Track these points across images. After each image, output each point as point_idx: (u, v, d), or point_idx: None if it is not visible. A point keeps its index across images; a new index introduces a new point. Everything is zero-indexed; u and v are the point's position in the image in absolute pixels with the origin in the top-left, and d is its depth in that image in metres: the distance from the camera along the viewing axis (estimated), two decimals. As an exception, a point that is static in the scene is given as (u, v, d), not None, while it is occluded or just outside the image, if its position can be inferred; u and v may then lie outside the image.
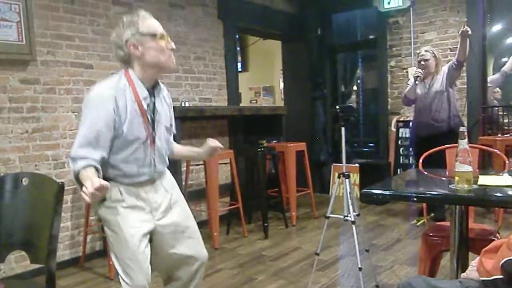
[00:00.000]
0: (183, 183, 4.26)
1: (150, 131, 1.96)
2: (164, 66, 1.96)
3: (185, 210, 2.15)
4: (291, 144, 4.77)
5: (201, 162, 4.35)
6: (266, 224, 4.27)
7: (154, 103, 1.99)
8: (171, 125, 2.12)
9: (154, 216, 2.00)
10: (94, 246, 3.79)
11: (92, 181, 1.66)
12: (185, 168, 4.24)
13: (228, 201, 4.52)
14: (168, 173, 2.14)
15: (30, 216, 1.98)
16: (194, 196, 4.52)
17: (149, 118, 1.96)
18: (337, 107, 3.09)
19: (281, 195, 4.70)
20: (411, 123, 5.03)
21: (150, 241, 2.02)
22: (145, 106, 1.94)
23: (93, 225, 3.73)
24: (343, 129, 2.99)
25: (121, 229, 1.92)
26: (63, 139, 3.57)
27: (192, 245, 2.11)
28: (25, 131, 3.35)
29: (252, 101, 7.93)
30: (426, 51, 4.28)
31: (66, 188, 3.35)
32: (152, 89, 1.99)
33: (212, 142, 2.20)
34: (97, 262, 3.66)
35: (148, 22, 1.93)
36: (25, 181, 2.02)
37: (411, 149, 5.37)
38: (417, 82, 4.25)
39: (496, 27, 5.46)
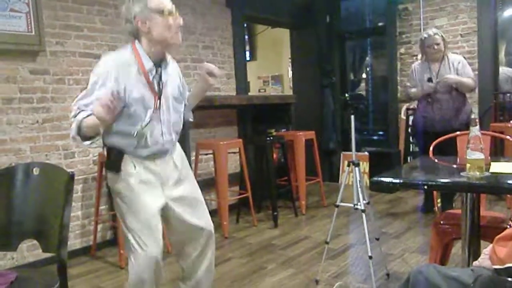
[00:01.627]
0: (192, 172, 4.26)
1: (157, 102, 2.01)
2: (170, 42, 2.02)
3: (193, 184, 2.24)
4: (300, 133, 4.74)
5: (210, 152, 4.35)
6: (275, 213, 4.27)
7: (160, 76, 2.04)
8: (181, 95, 2.18)
9: (164, 190, 2.08)
10: (105, 235, 3.82)
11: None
12: (194, 158, 4.24)
13: (237, 190, 4.52)
14: (178, 148, 2.21)
15: (41, 205, 1.99)
16: (203, 185, 4.49)
17: (156, 89, 2.01)
18: (346, 95, 3.07)
19: (290, 184, 4.70)
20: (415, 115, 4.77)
21: (162, 215, 2.09)
22: (151, 78, 2.00)
23: (103, 214, 3.76)
24: (352, 117, 2.97)
25: (134, 201, 2.01)
26: (73, 129, 3.58)
27: (199, 216, 2.19)
28: (35, 121, 3.37)
29: (261, 90, 7.90)
30: (435, 34, 3.94)
31: (76, 177, 3.38)
32: (160, 63, 2.05)
33: (204, 68, 2.14)
34: (108, 251, 3.69)
35: None
36: (36, 171, 2.03)
37: (411, 138, 5.32)
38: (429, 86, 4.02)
39: (508, 12, 5.36)
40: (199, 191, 2.27)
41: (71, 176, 1.93)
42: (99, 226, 3.72)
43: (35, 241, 2.00)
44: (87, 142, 1.96)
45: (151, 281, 2.04)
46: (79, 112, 1.94)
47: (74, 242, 3.59)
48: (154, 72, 2.02)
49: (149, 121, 2.00)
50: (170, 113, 2.09)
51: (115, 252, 3.55)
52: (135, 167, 2.02)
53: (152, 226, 2.02)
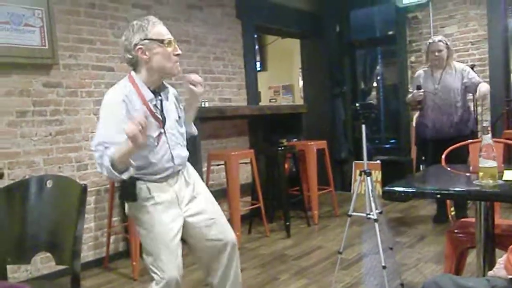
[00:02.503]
0: (204, 183, 4.27)
1: (162, 130, 2.04)
2: (168, 72, 2.05)
3: (208, 198, 2.25)
4: (312, 143, 4.74)
5: (222, 162, 4.36)
6: (288, 223, 4.25)
7: (161, 103, 2.07)
8: (179, 117, 2.18)
9: (181, 208, 2.10)
10: (118, 247, 3.83)
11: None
12: (205, 168, 4.25)
13: (249, 200, 4.52)
14: (189, 166, 2.22)
15: (54, 217, 2.01)
16: (215, 196, 4.43)
17: (159, 117, 2.04)
18: (357, 104, 3.06)
19: (302, 194, 4.68)
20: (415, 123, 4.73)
21: (182, 236, 2.10)
22: (152, 108, 2.02)
23: (116, 226, 3.77)
24: (363, 126, 2.96)
25: (153, 226, 2.02)
26: (86, 141, 3.61)
27: (220, 229, 2.19)
28: (48, 133, 3.41)
29: (272, 100, 7.92)
30: (439, 41, 3.95)
31: (89, 189, 3.40)
32: (159, 91, 2.08)
33: (184, 83, 2.11)
34: (120, 262, 3.70)
35: (157, 28, 2.00)
36: (49, 184, 2.05)
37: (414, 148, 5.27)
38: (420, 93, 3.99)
39: (519, 19, 5.32)
40: (217, 205, 2.27)
41: (84, 188, 1.95)
42: (112, 238, 3.74)
43: (48, 254, 2.02)
44: (125, 175, 1.93)
45: None
46: (105, 148, 1.90)
47: (87, 254, 3.61)
48: (154, 101, 2.04)
49: (158, 149, 2.03)
50: (176, 136, 2.12)
51: (128, 263, 3.56)
52: (149, 191, 2.03)
53: (171, 249, 2.02)
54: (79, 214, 1.90)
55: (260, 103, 5.67)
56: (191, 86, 2.11)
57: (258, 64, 6.81)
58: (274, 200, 4.63)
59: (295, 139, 5.09)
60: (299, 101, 7.21)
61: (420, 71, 4.23)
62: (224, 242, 2.18)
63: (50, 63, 3.40)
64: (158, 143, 2.03)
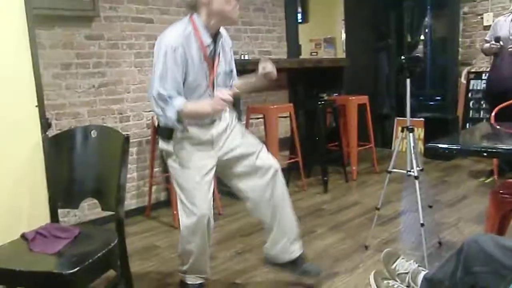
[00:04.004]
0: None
1: (212, 77, 2.09)
2: (228, 16, 2.06)
3: (244, 134, 2.32)
4: (353, 97, 4.66)
5: (261, 116, 4.38)
6: (325, 178, 4.27)
7: (214, 50, 2.10)
8: (231, 70, 2.26)
9: (216, 148, 2.19)
10: (159, 197, 3.99)
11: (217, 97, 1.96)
12: (244, 122, 4.28)
13: (287, 155, 4.54)
14: (230, 112, 2.28)
15: (99, 166, 2.10)
16: (253, 149, 4.57)
17: (211, 64, 2.08)
18: (402, 57, 2.96)
19: (341, 149, 4.67)
20: (486, 74, 4.57)
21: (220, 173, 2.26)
22: (208, 53, 2.06)
23: (157, 176, 3.91)
24: (408, 81, 2.87)
25: (187, 162, 2.12)
26: (127, 94, 3.70)
27: (260, 158, 2.28)
28: (91, 86, 3.51)
29: (313, 53, 7.76)
30: None
31: (131, 140, 3.51)
32: (215, 36, 2.10)
33: (262, 68, 2.17)
34: (162, 211, 3.85)
35: None
36: (93, 134, 2.14)
37: (482, 103, 5.09)
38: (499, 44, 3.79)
39: None
40: (255, 140, 2.35)
41: (126, 138, 2.02)
42: (154, 188, 3.88)
43: (95, 200, 2.13)
44: (181, 125, 2.06)
45: (201, 239, 2.15)
46: (167, 100, 1.99)
47: (130, 203, 3.77)
48: (211, 47, 2.08)
49: (203, 95, 2.09)
50: (221, 87, 2.16)
51: (169, 212, 3.70)
52: (187, 130, 2.10)
53: (203, 186, 2.12)
54: (122, 163, 1.98)
55: (301, 56, 5.57)
56: (263, 77, 2.18)
57: (299, 15, 6.64)
58: (312, 155, 4.64)
59: (336, 94, 5.02)
60: (341, 54, 7.04)
61: (499, 18, 4.00)
62: (265, 167, 2.28)
63: (91, 15, 3.44)
64: (205, 90, 2.10)
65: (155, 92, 1.99)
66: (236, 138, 2.28)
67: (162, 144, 2.19)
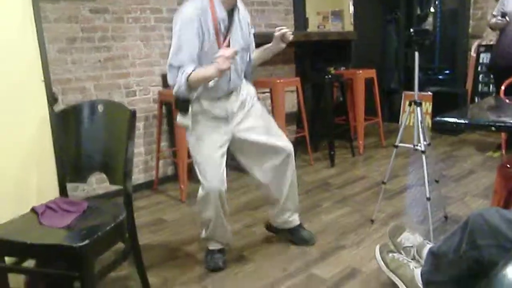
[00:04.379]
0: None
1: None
2: None
3: (263, 115, 2.39)
4: (360, 71, 4.62)
5: (267, 90, 4.35)
6: (332, 153, 4.27)
7: (230, 24, 2.14)
8: (248, 45, 2.32)
9: (231, 124, 2.26)
10: (166, 171, 4.01)
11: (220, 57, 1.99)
12: (251, 96, 4.26)
13: (294, 129, 4.54)
14: (245, 84, 2.35)
15: (106, 140, 2.11)
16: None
17: (225, 39, 2.13)
18: (411, 30, 2.91)
19: (348, 124, 4.65)
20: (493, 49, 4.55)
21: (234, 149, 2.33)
22: (222, 28, 2.11)
23: (164, 151, 3.93)
24: (416, 54, 2.83)
25: (201, 135, 2.21)
26: (133, 68, 3.69)
27: (275, 139, 2.37)
28: (97, 60, 3.50)
29: (320, 26, 7.64)
30: None
31: (138, 115, 3.52)
32: (232, 11, 2.14)
33: (278, 28, 2.24)
34: (169, 185, 3.89)
35: None
36: (100, 108, 2.14)
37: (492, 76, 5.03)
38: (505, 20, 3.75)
39: None
40: (272, 121, 2.43)
41: (133, 113, 2.02)
42: (161, 162, 3.90)
43: (103, 175, 2.15)
44: (193, 94, 2.16)
45: (214, 211, 2.26)
46: (181, 67, 2.08)
47: (138, 177, 3.81)
48: (226, 21, 2.12)
49: None
50: (237, 62, 2.22)
51: (176, 186, 3.73)
52: (202, 105, 2.19)
53: (215, 160, 2.21)
54: (129, 138, 1.99)
55: (308, 29, 5.49)
56: (280, 41, 2.25)
57: (306, -13, 6.51)
58: (319, 129, 4.63)
59: (343, 68, 4.97)
60: (349, 27, 6.93)
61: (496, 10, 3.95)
62: (278, 148, 2.36)
63: (96, -13, 3.40)
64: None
65: (169, 63, 2.10)
66: (253, 117, 2.34)
67: (179, 119, 2.25)
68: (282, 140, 2.41)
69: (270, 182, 2.45)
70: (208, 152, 2.21)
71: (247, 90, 2.37)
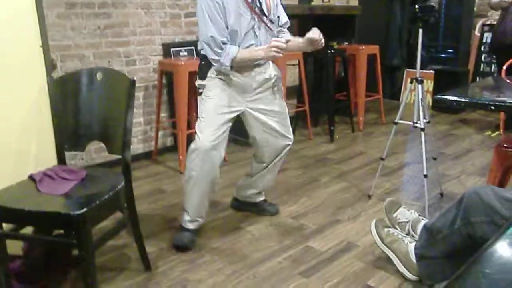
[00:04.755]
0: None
1: (254, 22, 2.20)
2: None
3: (281, 102, 2.45)
4: (363, 47, 4.57)
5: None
6: (332, 128, 4.27)
7: None
8: (278, 16, 2.35)
9: (245, 98, 2.31)
10: (166, 142, 4.01)
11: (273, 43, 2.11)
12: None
13: (295, 103, 4.53)
14: (271, 65, 2.39)
15: (105, 109, 2.10)
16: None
17: (254, 10, 2.18)
18: (416, 6, 2.87)
19: (349, 100, 4.63)
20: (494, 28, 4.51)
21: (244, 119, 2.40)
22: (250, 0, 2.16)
23: (163, 121, 3.92)
24: (420, 31, 2.80)
25: (213, 94, 2.26)
26: (134, 36, 3.64)
27: (281, 126, 2.44)
28: (97, 27, 3.45)
29: (324, 1, 7.53)
30: None
31: (137, 85, 3.49)
32: None
33: (313, 33, 2.24)
34: (168, 156, 3.89)
35: None
36: (99, 76, 2.11)
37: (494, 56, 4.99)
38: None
39: None
40: (285, 109, 2.49)
41: (132, 82, 1.99)
42: (160, 133, 3.90)
43: (102, 144, 2.14)
44: (231, 72, 2.24)
45: (200, 171, 2.26)
46: (223, 43, 2.15)
47: (137, 147, 3.81)
48: None
49: (243, 40, 2.20)
50: (264, 33, 2.26)
51: (175, 157, 3.74)
52: (224, 72, 2.23)
53: (215, 121, 2.24)
54: (128, 107, 1.97)
55: (312, 3, 5.41)
56: (309, 45, 2.27)
57: (311, -41, 6.38)
58: (320, 104, 4.61)
59: (346, 43, 4.92)
60: (354, 2, 6.83)
61: None
62: (281, 134, 2.45)
63: (97, -47, 3.33)
64: (246, 35, 2.20)
65: (208, 36, 2.13)
66: (271, 102, 2.39)
67: (198, 81, 2.31)
68: (288, 130, 2.49)
69: (263, 156, 2.52)
70: (214, 113, 2.24)
71: (274, 69, 2.40)
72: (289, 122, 2.51)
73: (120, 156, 2.01)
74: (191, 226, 2.42)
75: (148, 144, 3.89)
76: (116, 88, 2.06)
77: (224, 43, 2.16)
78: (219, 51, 2.16)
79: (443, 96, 1.96)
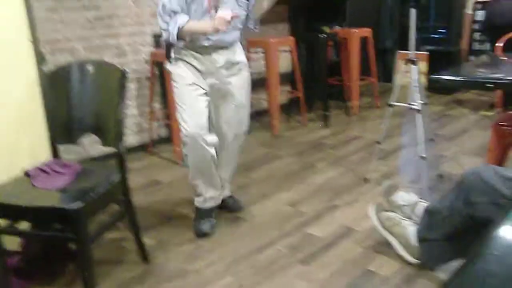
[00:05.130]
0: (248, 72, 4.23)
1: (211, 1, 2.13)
2: None
3: (242, 85, 2.38)
4: (355, 30, 4.52)
5: (261, 50, 4.27)
6: (326, 113, 4.24)
7: None
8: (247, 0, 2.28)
9: (206, 78, 2.26)
10: (160, 133, 3.97)
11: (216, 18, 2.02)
12: (244, 57, 4.17)
13: (288, 89, 4.49)
14: (239, 48, 2.34)
15: (97, 101, 2.06)
16: (254, 85, 4.45)
17: None
18: (407, -14, 2.83)
19: (343, 84, 4.60)
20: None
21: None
22: None
23: (157, 112, 3.87)
24: (412, 11, 2.76)
25: (182, 79, 2.24)
26: (124, 28, 3.58)
27: (235, 115, 2.38)
28: (87, 20, 3.38)
29: (314, -15, 7.45)
30: None
31: (130, 77, 3.43)
32: None
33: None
34: (163, 147, 3.85)
35: None
36: (90, 68, 2.08)
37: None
38: None
39: None
40: (247, 98, 2.43)
41: (124, 72, 1.97)
42: (154, 124, 3.86)
43: (95, 137, 2.11)
44: (180, 43, 2.19)
45: (197, 156, 2.26)
46: (173, 12, 2.09)
47: (131, 139, 3.76)
48: None
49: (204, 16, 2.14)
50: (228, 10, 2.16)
51: (169, 148, 3.71)
52: (187, 54, 2.21)
53: (195, 107, 2.22)
54: (120, 98, 1.94)
55: (302, -12, 5.35)
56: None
57: None
58: (313, 89, 4.58)
59: (338, 27, 4.86)
60: (344, -15, 6.78)
61: None
62: (233, 125, 2.39)
63: None
64: (209, 15, 2.14)
65: (161, 5, 2.10)
66: (235, 86, 2.34)
67: (166, 65, 2.30)
68: (246, 121, 2.45)
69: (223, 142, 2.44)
70: (190, 97, 2.22)
71: (240, 55, 2.34)
72: (245, 114, 2.43)
73: (114, 149, 1.98)
74: (207, 204, 2.44)
75: (142, 136, 3.85)
76: (108, 79, 2.03)
77: (174, 12, 2.10)
78: (168, 18, 2.10)
79: (439, 76, 1.93)
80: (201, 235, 2.37)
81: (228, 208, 2.63)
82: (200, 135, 2.20)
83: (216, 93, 2.31)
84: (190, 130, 2.20)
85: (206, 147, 2.24)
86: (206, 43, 2.19)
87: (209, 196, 2.42)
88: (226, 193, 2.63)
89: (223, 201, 2.60)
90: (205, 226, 2.40)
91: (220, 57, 2.25)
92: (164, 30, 2.13)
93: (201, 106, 2.23)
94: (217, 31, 2.04)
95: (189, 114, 2.21)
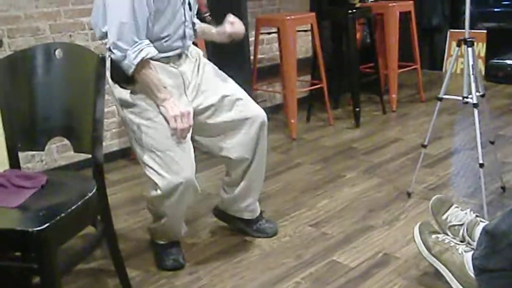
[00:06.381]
0: (251, 57, 4.26)
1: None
2: None
3: (218, 73, 2.39)
4: (394, 4, 4.54)
5: (274, 30, 4.28)
6: (357, 109, 4.26)
7: None
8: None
9: (187, 95, 2.25)
10: (146, 135, 3.99)
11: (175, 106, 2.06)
12: (253, 38, 4.20)
13: (309, 80, 4.50)
14: (191, 47, 2.37)
15: (68, 95, 2.07)
16: (265, 74, 4.52)
17: None
18: None
19: (378, 72, 4.61)
20: None
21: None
22: None
23: (143, 109, 3.89)
24: (468, -21, 2.76)
25: (157, 114, 2.12)
26: (101, 3, 3.61)
27: (244, 105, 2.34)
28: (54, -8, 3.43)
29: None
30: None
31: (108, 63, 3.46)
32: None
33: (232, 27, 2.29)
34: (150, 153, 3.87)
35: None
36: (58, 54, 2.09)
37: None
38: None
39: None
40: (232, 83, 2.41)
41: (102, 59, 1.97)
42: (139, 124, 3.88)
43: (65, 141, 2.13)
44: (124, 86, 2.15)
45: (178, 209, 2.22)
46: (137, 44, 2.04)
47: (111, 143, 3.80)
48: None
49: (170, 22, 2.15)
50: (191, 12, 2.25)
51: (159, 155, 3.72)
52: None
53: (183, 146, 2.14)
54: (97, 91, 1.95)
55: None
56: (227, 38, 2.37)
57: None
58: (340, 79, 4.59)
59: (371, 0, 4.88)
60: None
61: None
62: (252, 119, 2.33)
63: None
64: (174, 17, 2.15)
65: (116, 39, 2.06)
66: (211, 79, 2.33)
67: (118, 92, 2.18)
68: (252, 106, 2.38)
69: (240, 161, 2.39)
70: (171, 136, 2.13)
71: (194, 48, 2.37)
72: (245, 95, 2.40)
73: (89, 155, 1.99)
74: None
75: (124, 140, 3.87)
76: (81, 68, 2.04)
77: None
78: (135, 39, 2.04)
79: (501, 61, 1.92)
80: (175, 267, 2.36)
81: (260, 232, 2.61)
82: (195, 182, 2.16)
83: (207, 105, 2.31)
84: (187, 175, 2.11)
85: (195, 195, 2.25)
86: (171, 52, 2.22)
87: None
88: (256, 211, 2.60)
89: (251, 222, 2.59)
90: (176, 255, 2.39)
91: (187, 66, 2.29)
92: (123, 49, 2.05)
93: (188, 142, 2.20)
94: (163, 111, 2.09)
95: (179, 154, 2.13)
